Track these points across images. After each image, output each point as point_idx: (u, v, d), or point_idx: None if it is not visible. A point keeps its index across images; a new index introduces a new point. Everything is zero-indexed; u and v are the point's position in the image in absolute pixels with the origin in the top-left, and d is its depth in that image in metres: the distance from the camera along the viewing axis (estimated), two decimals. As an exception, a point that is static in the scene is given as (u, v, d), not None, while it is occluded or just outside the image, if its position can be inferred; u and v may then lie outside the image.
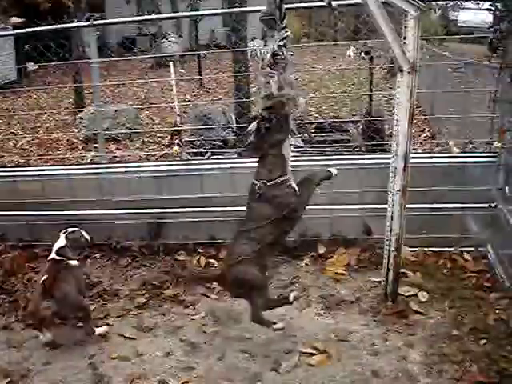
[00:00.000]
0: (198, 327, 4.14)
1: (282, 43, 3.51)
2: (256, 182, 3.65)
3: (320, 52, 19.67)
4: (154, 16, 10.34)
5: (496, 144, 4.87)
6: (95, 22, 5.45)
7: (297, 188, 3.67)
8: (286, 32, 3.53)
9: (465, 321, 3.99)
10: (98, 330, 4.00)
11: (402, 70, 3.61)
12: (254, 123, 3.62)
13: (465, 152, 5.24)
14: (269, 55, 3.50)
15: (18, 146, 10.22)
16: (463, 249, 4.88)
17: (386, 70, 14.07)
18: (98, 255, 5.29)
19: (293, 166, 3.72)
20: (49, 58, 6.60)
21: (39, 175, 5.43)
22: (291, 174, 3.68)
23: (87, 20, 5.54)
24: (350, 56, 18.43)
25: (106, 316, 4.33)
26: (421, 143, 8.19)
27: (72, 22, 7.32)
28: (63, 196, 5.32)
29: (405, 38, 3.58)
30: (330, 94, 12.44)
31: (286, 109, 3.55)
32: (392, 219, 4.01)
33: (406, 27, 3.55)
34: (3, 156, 9.23)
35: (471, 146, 5.63)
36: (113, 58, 13.58)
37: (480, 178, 4.82)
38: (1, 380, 3.61)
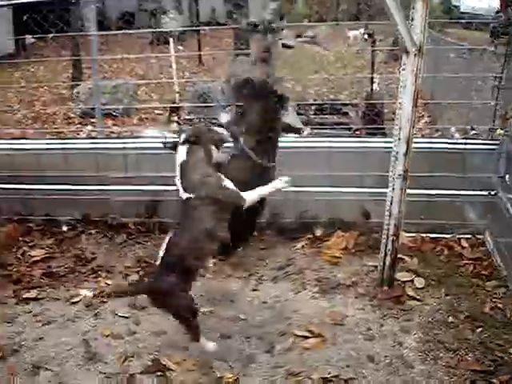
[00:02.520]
0: (193, 307, 4.10)
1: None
2: None
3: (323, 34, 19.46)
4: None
5: (498, 131, 4.83)
6: (95, -6, 5.37)
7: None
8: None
9: (461, 308, 3.97)
10: None
11: (408, 52, 3.54)
12: None
13: (466, 138, 5.19)
14: None
15: (14, 119, 10.13)
16: (461, 236, 4.85)
17: (386, 54, 13.99)
18: (93, 231, 5.25)
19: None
20: (47, 31, 6.49)
21: (35, 149, 5.37)
22: None
23: (87, -9, 5.45)
24: (350, 38, 18.27)
25: (99, 293, 4.29)
26: (420, 128, 8.12)
27: (72, -7, 7.20)
28: (59, 170, 5.26)
29: (412, 19, 3.51)
30: (330, 76, 12.34)
31: None
32: (392, 204, 3.96)
33: (413, 8, 3.48)
34: (-1, 128, 9.14)
35: (473, 132, 5.58)
36: (112, 32, 13.44)
37: (481, 165, 4.79)
38: (-8, 354, 3.59)
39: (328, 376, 3.34)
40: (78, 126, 9.45)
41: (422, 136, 7.10)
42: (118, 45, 15.35)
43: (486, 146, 4.84)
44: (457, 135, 5.64)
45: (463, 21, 13.34)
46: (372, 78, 8.38)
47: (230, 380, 3.34)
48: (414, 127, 3.75)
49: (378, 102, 7.46)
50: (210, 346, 3.52)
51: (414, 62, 3.57)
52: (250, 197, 3.37)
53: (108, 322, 3.95)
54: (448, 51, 8.94)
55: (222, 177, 3.33)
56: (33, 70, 15.16)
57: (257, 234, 5.00)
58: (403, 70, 3.67)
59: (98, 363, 3.53)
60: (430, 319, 3.88)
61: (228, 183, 3.31)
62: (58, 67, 14.62)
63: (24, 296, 4.31)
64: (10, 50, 16.78)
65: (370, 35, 9.05)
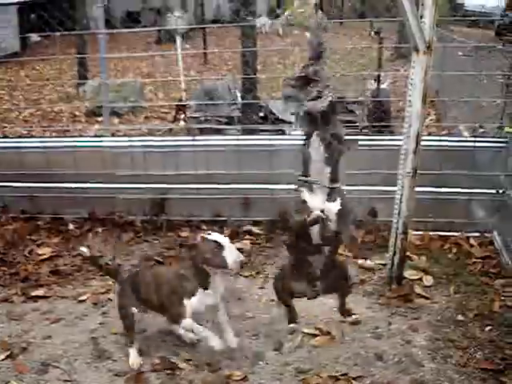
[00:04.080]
0: (201, 305, 4.09)
1: None
2: None
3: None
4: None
5: (507, 129, 4.81)
6: (102, -8, 5.38)
7: None
8: None
9: (470, 307, 3.95)
10: None
11: (417, 50, 3.53)
12: None
13: (475, 136, 5.17)
14: None
15: (20, 117, 10.15)
16: (469, 234, 4.84)
17: (391, 52, 13.99)
18: (100, 229, 5.24)
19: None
20: (53, 29, 6.50)
21: (42, 147, 5.37)
22: None
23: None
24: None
25: (107, 291, 4.29)
26: (426, 126, 8.09)
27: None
28: (66, 168, 5.26)
29: (421, 16, 3.50)
30: (335, 73, 12.29)
31: None
32: (401, 202, 3.95)
33: (422, 5, 3.47)
34: (5, 127, 9.16)
35: (481, 130, 5.56)
36: (118, 30, 13.46)
37: (489, 163, 4.77)
38: (1, 353, 3.59)
39: (337, 374, 3.31)
40: (85, 124, 9.46)
41: (429, 134, 7.07)
42: (123, 43, 15.39)
43: (494, 144, 4.81)
44: (465, 133, 5.62)
45: (472, 18, 13.30)
46: (379, 76, 8.32)
47: (239, 378, 3.33)
48: (423, 125, 3.74)
49: (384, 99, 7.43)
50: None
51: (423, 60, 3.55)
52: None
53: (116, 319, 3.92)
54: (455, 49, 8.90)
55: None
56: (38, 68, 15.19)
57: (264, 232, 5.02)
58: (412, 67, 3.66)
59: (106, 361, 3.52)
60: (438, 317, 3.86)
61: None
62: (63, 65, 14.65)
63: (32, 294, 4.31)
64: (16, 48, 16.82)
65: (377, 33, 8.97)
